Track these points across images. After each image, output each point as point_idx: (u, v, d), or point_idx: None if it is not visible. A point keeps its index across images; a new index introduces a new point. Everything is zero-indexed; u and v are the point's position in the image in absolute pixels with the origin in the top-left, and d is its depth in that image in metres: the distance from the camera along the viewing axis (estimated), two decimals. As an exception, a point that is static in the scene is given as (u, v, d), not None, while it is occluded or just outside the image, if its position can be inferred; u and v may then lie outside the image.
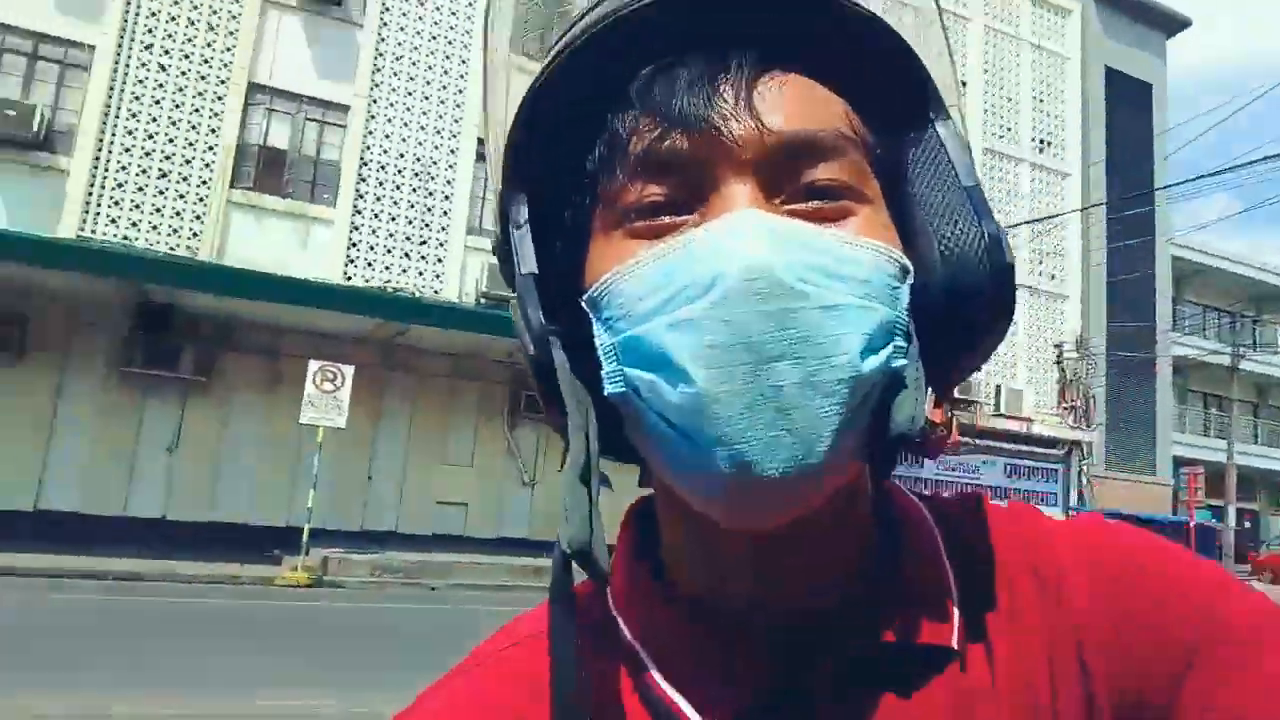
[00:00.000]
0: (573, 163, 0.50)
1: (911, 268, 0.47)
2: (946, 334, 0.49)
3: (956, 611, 0.50)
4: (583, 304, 0.48)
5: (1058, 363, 22.40)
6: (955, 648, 0.48)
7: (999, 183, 22.57)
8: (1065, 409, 22.19)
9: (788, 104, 0.47)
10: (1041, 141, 23.48)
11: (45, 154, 14.06)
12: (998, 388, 21.06)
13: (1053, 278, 22.89)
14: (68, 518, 13.50)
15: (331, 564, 12.79)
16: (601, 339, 0.46)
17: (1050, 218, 21.74)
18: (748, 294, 0.41)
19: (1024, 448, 21.49)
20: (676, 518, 0.51)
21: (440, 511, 15.56)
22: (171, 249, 14.49)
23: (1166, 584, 0.49)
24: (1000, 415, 20.77)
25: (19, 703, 5.53)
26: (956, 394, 19.71)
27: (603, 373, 0.46)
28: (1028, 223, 21.35)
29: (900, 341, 0.45)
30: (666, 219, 0.46)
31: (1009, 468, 21.46)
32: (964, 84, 22.52)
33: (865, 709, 0.47)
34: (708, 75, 0.47)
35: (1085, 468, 22.33)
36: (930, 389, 0.48)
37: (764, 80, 0.47)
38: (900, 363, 0.45)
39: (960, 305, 0.48)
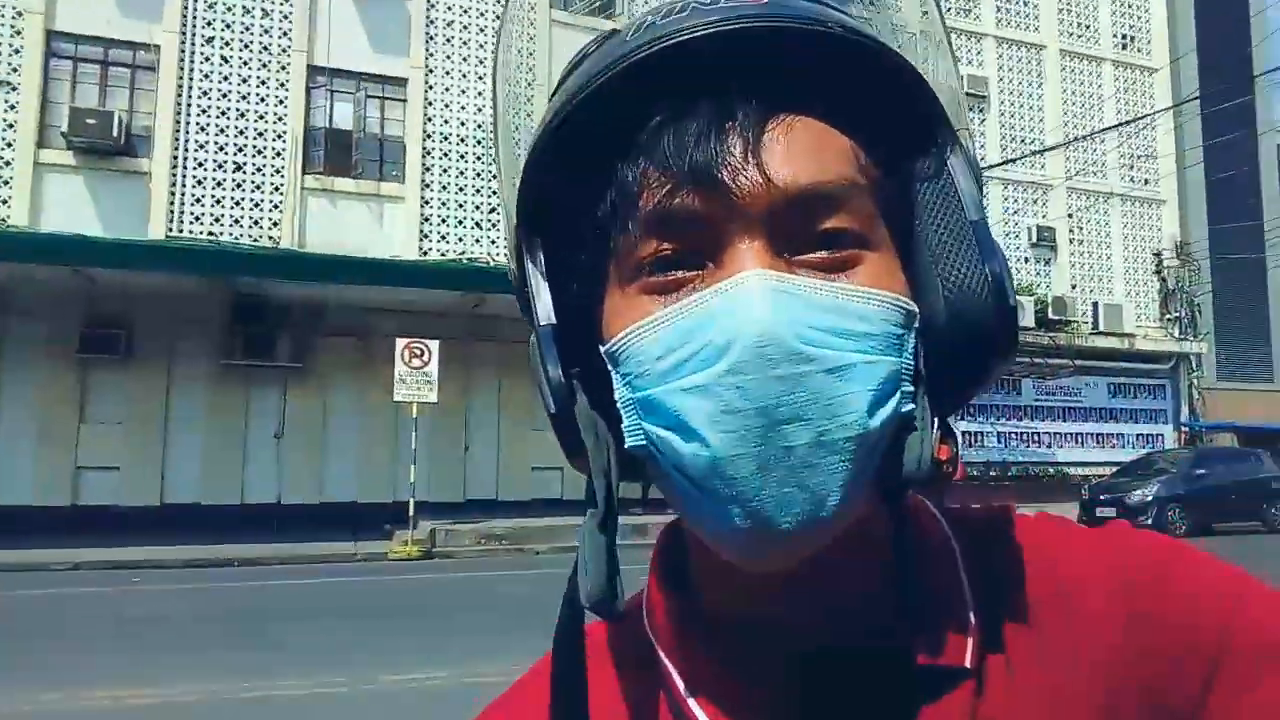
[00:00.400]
0: (586, 205, 0.51)
1: (917, 311, 0.48)
2: (949, 368, 0.49)
3: (973, 630, 0.50)
4: (602, 354, 0.49)
5: (1157, 272, 21.31)
6: (969, 667, 0.49)
7: (1079, 85, 21.37)
8: (1169, 321, 21.16)
9: (794, 154, 0.47)
10: (1124, 37, 22.07)
11: (128, 158, 14.48)
12: (1094, 304, 20.11)
13: (1146, 182, 21.67)
14: (190, 509, 14.23)
15: (439, 535, 13.19)
16: (621, 392, 0.48)
17: (1137, 119, 20.52)
18: (758, 360, 0.43)
19: (1127, 364, 20.57)
20: (700, 545, 0.51)
21: (538, 477, 15.79)
22: (255, 240, 14.86)
23: (1189, 594, 0.49)
24: (1099, 333, 19.86)
25: (162, 690, 5.85)
26: (1051, 315, 19.00)
27: (622, 426, 0.48)
28: (1114, 127, 20.18)
29: (908, 386, 0.47)
30: (680, 274, 0.48)
31: (1112, 387, 20.60)
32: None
33: None
34: (715, 126, 0.47)
35: (1195, 381, 21.33)
36: (935, 424, 0.48)
37: (771, 127, 0.47)
38: (909, 407, 0.47)
39: (963, 344, 0.49)
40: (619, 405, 0.48)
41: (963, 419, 18.94)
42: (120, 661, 6.56)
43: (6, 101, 14.05)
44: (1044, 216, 20.42)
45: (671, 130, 0.48)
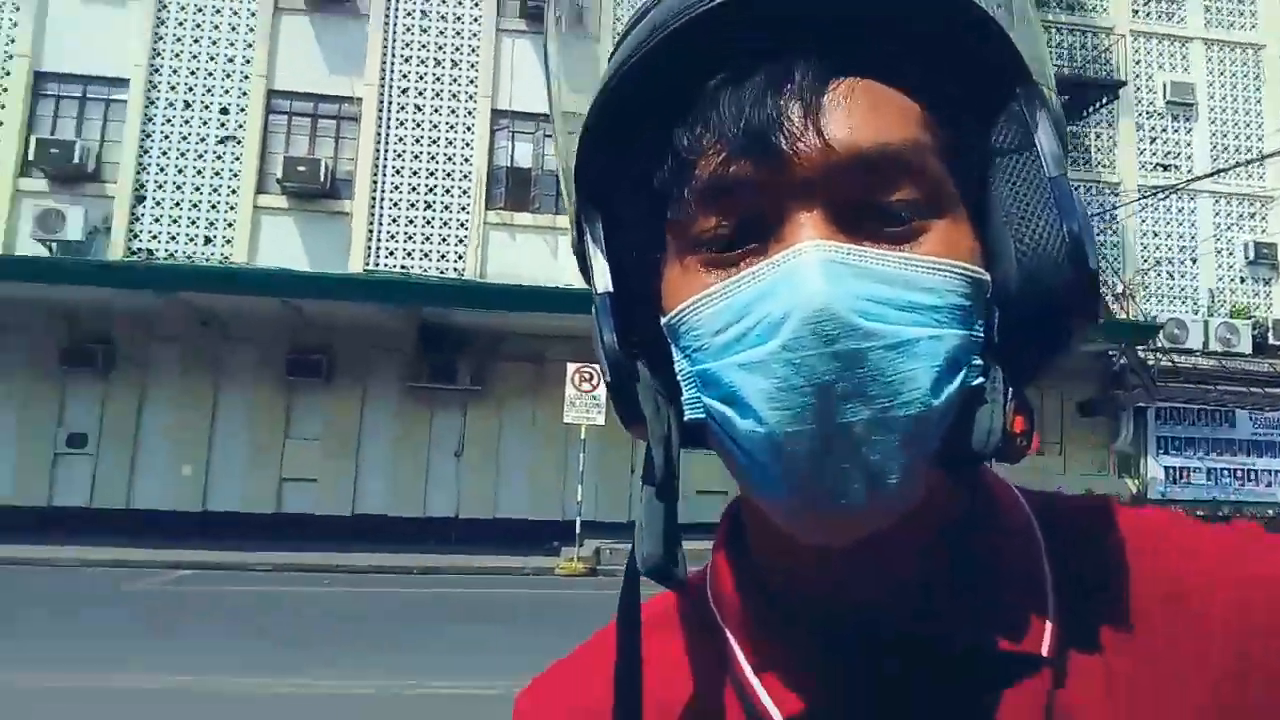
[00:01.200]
0: (643, 173, 0.50)
1: (988, 279, 0.46)
2: (1025, 336, 0.46)
3: (1051, 618, 0.48)
4: (662, 327, 0.49)
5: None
6: (1045, 655, 0.46)
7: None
8: None
9: (857, 116, 0.45)
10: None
11: (332, 200, 16.01)
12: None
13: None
14: (378, 519, 15.33)
15: (604, 554, 13.50)
16: (681, 365, 0.48)
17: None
18: (815, 335, 0.41)
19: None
20: (759, 517, 0.50)
21: (701, 500, 15.79)
22: (441, 272, 15.95)
23: None
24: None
25: (347, 682, 6.32)
26: (1272, 340, 17.11)
27: (682, 398, 0.47)
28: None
29: (976, 360, 0.45)
30: (738, 248, 0.46)
31: (1349, 419, 18.23)
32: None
33: (941, 710, 0.46)
34: (772, 89, 0.45)
35: None
36: (1009, 395, 0.45)
37: (831, 87, 0.45)
38: (978, 381, 0.44)
39: (1038, 310, 0.45)
40: (679, 377, 0.47)
41: (1165, 453, 17.32)
42: (307, 656, 7.14)
43: (232, 154, 15.93)
44: (1263, 232, 18.46)
45: (728, 94, 0.46)
